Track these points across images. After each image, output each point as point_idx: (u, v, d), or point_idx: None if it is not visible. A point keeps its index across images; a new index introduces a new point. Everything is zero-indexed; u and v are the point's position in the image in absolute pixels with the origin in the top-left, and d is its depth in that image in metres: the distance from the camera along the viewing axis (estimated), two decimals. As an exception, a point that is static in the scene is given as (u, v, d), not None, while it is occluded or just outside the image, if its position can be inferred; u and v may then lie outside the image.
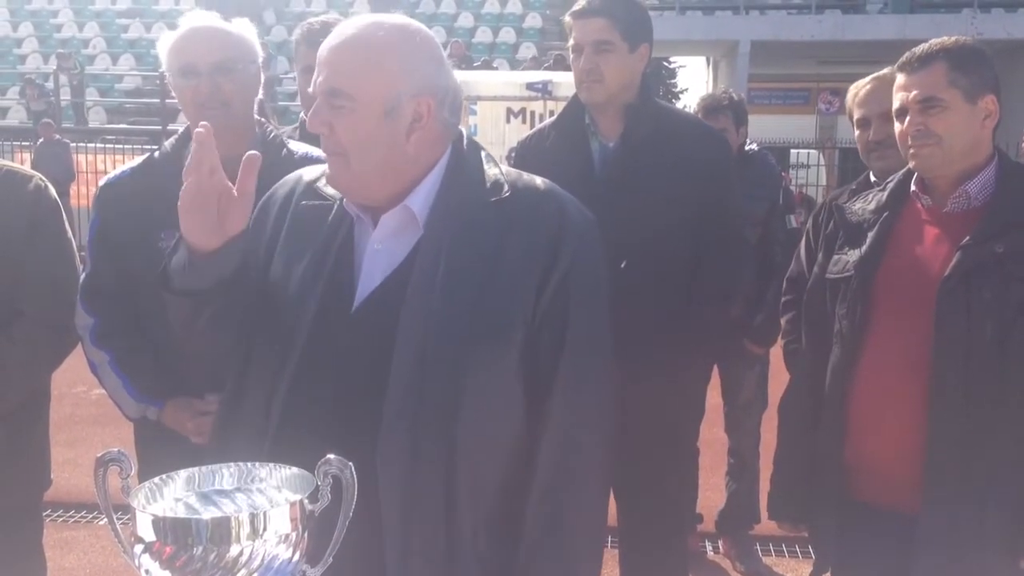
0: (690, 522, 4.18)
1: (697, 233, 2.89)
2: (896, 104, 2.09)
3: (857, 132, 2.79)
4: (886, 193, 2.20)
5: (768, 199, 4.01)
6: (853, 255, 2.15)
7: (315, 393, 1.58)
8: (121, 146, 14.30)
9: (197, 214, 1.52)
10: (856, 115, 2.80)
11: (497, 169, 1.67)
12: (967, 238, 2.00)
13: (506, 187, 1.63)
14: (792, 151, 21.17)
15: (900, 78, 2.09)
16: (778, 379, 2.45)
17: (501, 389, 1.56)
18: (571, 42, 2.89)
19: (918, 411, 2.01)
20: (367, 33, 1.58)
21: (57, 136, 14.88)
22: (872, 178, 2.78)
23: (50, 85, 18.57)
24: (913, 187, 2.15)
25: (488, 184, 1.63)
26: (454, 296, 1.54)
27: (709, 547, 4.44)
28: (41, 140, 14.45)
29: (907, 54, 2.10)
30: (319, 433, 1.49)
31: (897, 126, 2.11)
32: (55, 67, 18.70)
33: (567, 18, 2.91)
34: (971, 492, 1.97)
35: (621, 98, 2.87)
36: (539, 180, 1.69)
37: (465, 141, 1.68)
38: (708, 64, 25.48)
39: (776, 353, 3.46)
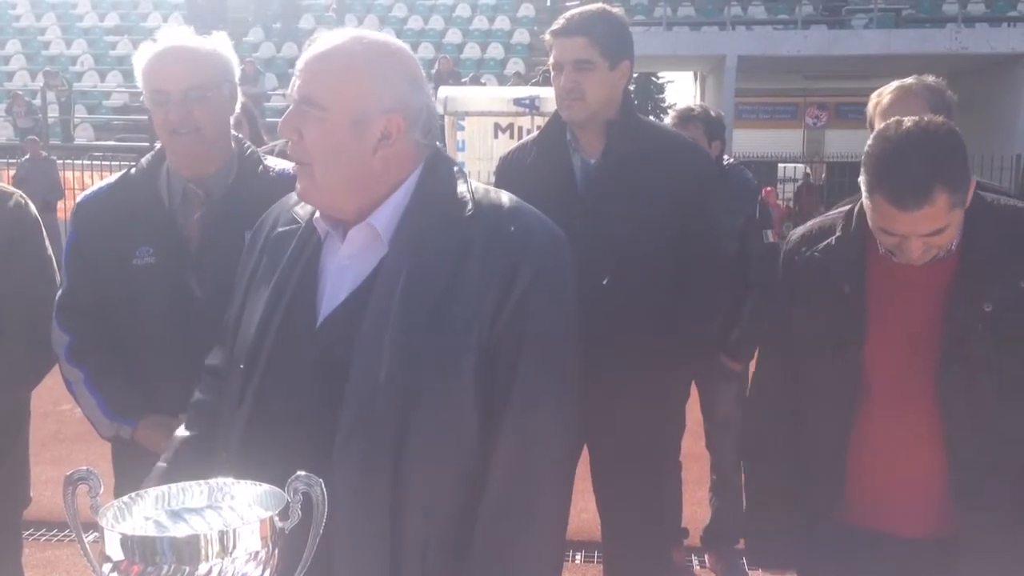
0: (675, 536, 4.18)
1: (679, 249, 2.88)
2: (897, 231, 1.90)
3: None
4: (848, 244, 2.07)
5: (744, 213, 4.02)
6: (833, 316, 2.04)
7: (278, 408, 1.59)
8: (108, 163, 14.23)
9: None
10: (878, 124, 2.74)
11: (465, 186, 1.65)
12: (953, 306, 1.96)
13: (470, 206, 1.61)
14: (779, 165, 21.26)
15: (893, 211, 1.86)
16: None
17: (453, 411, 1.54)
18: (551, 60, 2.90)
19: (930, 453, 1.99)
20: (346, 46, 1.60)
21: (43, 153, 14.81)
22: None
23: (38, 102, 18.50)
24: (882, 249, 2.03)
25: (454, 203, 1.62)
26: (409, 318, 1.53)
27: (695, 561, 4.43)
28: (27, 157, 14.38)
29: (895, 183, 1.84)
30: (280, 448, 1.50)
31: (890, 238, 1.95)
32: (43, 84, 18.63)
33: (547, 36, 2.91)
34: (1000, 509, 1.99)
35: (602, 115, 2.87)
36: (505, 197, 1.67)
37: (439, 158, 1.68)
38: (696, 79, 25.57)
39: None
